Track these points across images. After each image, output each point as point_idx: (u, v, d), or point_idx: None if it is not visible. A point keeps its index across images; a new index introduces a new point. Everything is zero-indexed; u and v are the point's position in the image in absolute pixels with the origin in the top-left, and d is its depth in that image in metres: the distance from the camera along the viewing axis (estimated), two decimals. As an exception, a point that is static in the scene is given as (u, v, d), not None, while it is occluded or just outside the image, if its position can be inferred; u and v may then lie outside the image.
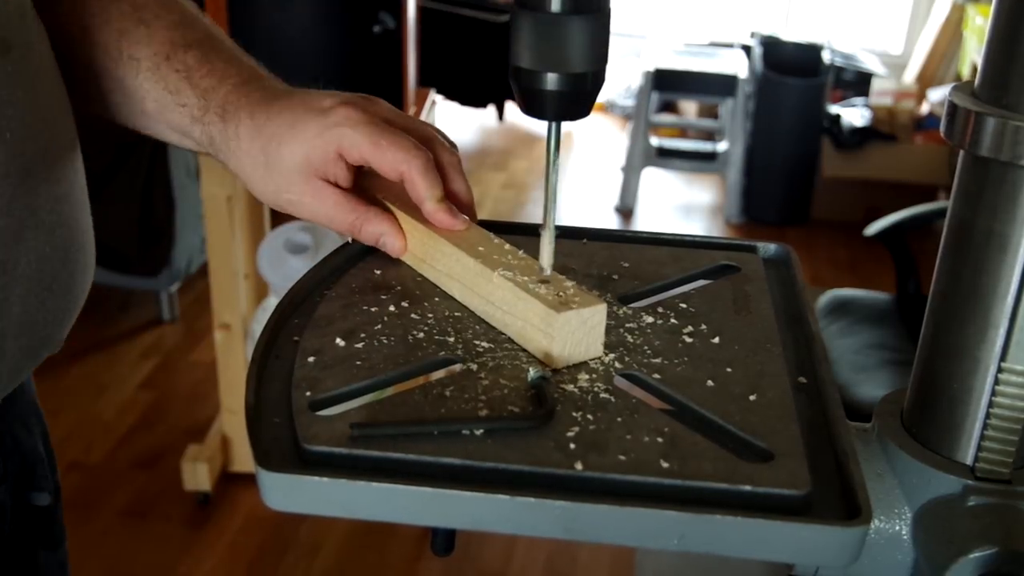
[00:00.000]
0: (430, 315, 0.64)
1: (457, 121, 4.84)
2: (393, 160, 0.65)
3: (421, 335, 0.61)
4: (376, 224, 0.69)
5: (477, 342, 0.61)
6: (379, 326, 0.62)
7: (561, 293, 0.59)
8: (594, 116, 4.64)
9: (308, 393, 0.55)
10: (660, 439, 0.52)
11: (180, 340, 2.93)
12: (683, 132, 4.58)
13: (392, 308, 0.64)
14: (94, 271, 0.74)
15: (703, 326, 0.64)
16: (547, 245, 0.66)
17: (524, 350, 0.60)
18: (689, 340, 0.62)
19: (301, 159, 0.67)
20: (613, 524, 0.49)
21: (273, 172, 0.68)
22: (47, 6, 0.68)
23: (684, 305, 0.66)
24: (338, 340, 0.60)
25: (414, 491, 0.48)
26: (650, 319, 0.64)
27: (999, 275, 0.53)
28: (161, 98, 0.71)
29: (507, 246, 0.66)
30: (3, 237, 0.61)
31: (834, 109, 3.90)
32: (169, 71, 0.71)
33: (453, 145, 0.72)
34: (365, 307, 0.64)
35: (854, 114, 3.88)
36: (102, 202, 2.67)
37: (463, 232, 0.67)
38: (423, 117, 2.12)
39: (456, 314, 0.64)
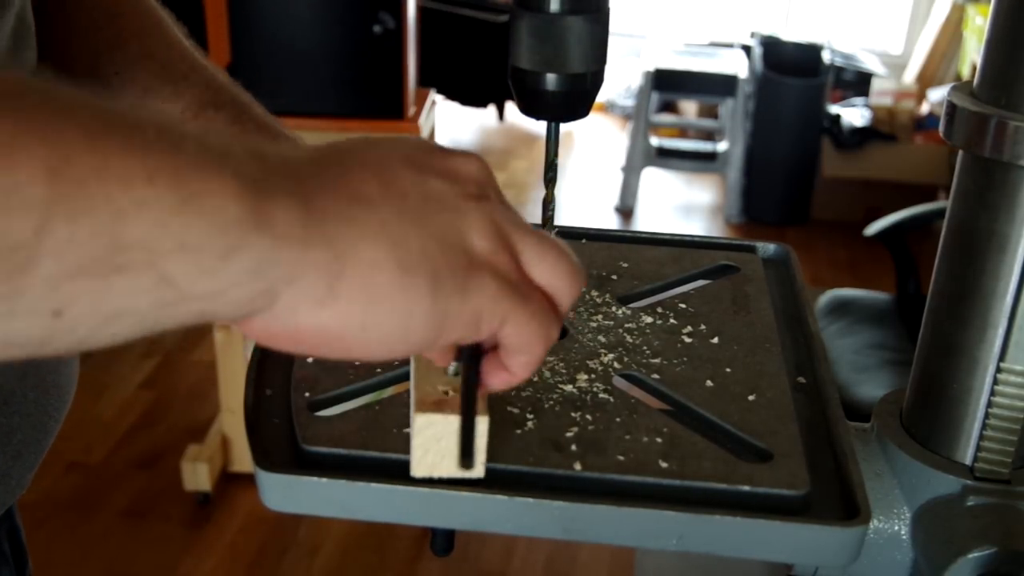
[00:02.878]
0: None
1: (457, 121, 4.84)
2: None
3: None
4: None
5: (476, 342, 0.61)
6: (378, 326, 0.61)
7: (452, 391, 0.48)
8: (594, 116, 4.64)
9: (307, 394, 0.55)
10: (659, 439, 0.52)
11: (180, 340, 2.93)
12: (683, 132, 4.58)
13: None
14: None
15: (702, 326, 0.64)
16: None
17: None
18: (688, 340, 0.62)
19: None
20: (612, 524, 0.49)
21: None
22: (66, 63, 0.65)
23: (683, 305, 0.66)
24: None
25: (413, 492, 0.48)
26: (649, 319, 0.64)
27: (998, 275, 0.53)
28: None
29: None
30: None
31: (834, 109, 3.90)
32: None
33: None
34: (364, 307, 0.63)
35: (854, 114, 3.87)
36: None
37: None
38: (423, 117, 2.12)
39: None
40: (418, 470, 0.48)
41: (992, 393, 0.55)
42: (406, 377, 0.58)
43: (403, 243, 0.38)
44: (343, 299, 0.37)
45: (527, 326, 0.42)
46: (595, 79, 0.58)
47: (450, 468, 0.48)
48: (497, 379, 0.45)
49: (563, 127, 0.62)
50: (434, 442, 0.47)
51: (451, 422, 0.47)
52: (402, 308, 0.38)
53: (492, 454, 0.50)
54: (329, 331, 0.38)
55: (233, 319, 0.37)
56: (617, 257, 0.72)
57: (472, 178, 0.43)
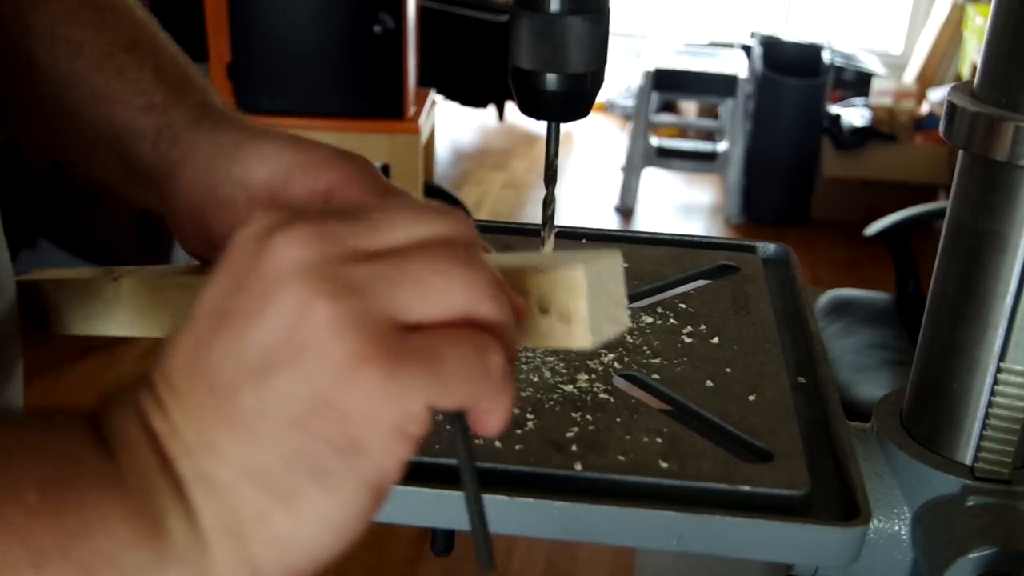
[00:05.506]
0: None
1: (457, 121, 4.84)
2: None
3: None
4: None
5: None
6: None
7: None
8: (594, 116, 4.64)
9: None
10: (659, 439, 0.52)
11: (180, 340, 2.92)
12: (683, 132, 4.58)
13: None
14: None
15: (702, 326, 0.64)
16: (547, 245, 0.66)
17: (528, 349, 0.60)
18: (688, 340, 0.62)
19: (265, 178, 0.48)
20: (612, 524, 0.49)
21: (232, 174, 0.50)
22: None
23: (683, 305, 0.66)
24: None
25: (414, 491, 0.48)
26: (649, 319, 0.64)
27: (998, 275, 0.53)
28: (105, 87, 0.56)
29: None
30: None
31: (834, 109, 3.90)
32: (128, 61, 0.57)
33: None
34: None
35: (854, 114, 3.87)
36: (102, 203, 2.67)
37: None
38: (423, 117, 2.12)
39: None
40: (596, 335, 0.38)
41: (992, 393, 0.55)
42: None
43: (262, 468, 0.32)
44: (267, 557, 0.33)
45: (454, 391, 0.33)
46: (595, 79, 0.58)
47: (615, 318, 0.39)
48: (485, 427, 0.36)
49: (563, 127, 0.62)
50: (597, 296, 0.38)
51: (606, 265, 0.38)
52: (315, 527, 0.33)
53: (493, 455, 0.50)
54: None
55: None
56: (617, 257, 0.72)
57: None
